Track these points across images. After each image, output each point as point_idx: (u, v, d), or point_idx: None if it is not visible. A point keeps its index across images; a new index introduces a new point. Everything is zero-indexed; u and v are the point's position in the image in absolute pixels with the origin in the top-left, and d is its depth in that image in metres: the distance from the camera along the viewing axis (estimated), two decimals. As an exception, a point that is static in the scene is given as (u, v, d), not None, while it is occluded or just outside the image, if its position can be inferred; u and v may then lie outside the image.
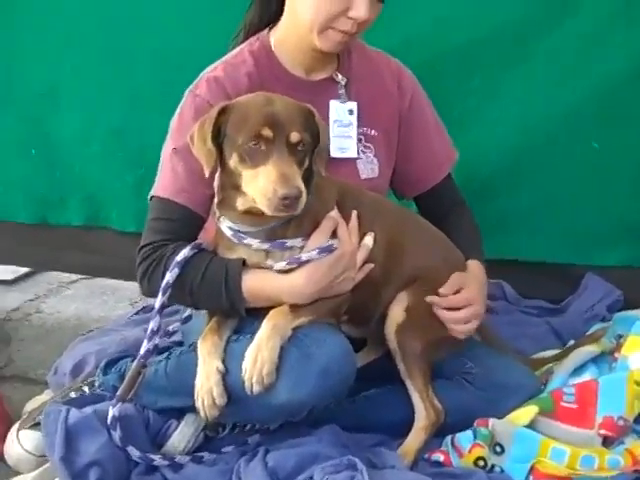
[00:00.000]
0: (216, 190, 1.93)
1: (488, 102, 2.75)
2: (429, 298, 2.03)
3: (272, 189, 1.73)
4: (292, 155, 1.78)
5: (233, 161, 1.81)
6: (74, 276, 3.38)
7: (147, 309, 2.73)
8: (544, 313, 2.78)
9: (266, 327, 1.83)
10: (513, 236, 2.84)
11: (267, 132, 1.77)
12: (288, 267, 1.88)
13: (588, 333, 2.44)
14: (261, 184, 1.76)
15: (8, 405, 2.27)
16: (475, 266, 2.17)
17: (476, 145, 2.73)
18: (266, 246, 1.88)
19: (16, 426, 2.06)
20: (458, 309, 2.05)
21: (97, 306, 3.17)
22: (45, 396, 2.25)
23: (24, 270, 3.39)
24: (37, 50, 2.89)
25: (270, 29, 2.17)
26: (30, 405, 2.20)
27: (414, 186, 2.33)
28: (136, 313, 2.75)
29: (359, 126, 2.18)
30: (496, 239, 2.70)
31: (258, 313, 1.88)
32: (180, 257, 1.89)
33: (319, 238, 1.89)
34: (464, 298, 2.06)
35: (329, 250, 1.89)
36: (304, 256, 1.87)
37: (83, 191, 2.99)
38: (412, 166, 2.29)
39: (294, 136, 1.79)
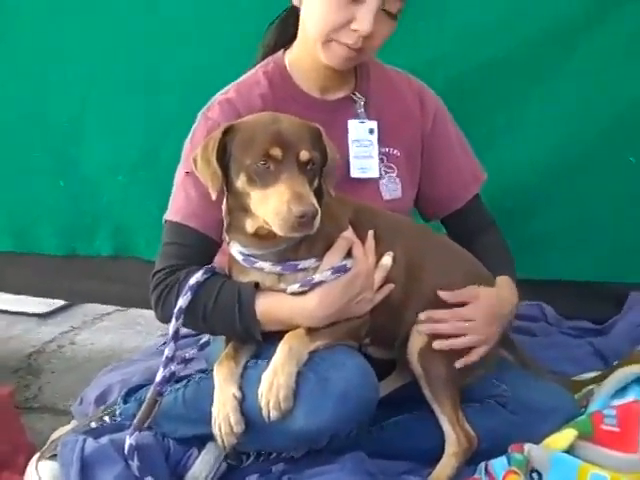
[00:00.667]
0: (224, 214, 1.89)
1: (518, 119, 2.70)
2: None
3: (287, 208, 1.69)
4: (302, 174, 1.74)
5: (241, 182, 1.77)
6: (110, 308, 3.38)
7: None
8: (587, 334, 2.69)
9: (282, 351, 1.78)
10: (552, 256, 2.78)
11: (276, 151, 1.73)
12: (301, 289, 1.83)
13: (632, 353, 2.34)
14: (274, 204, 1.72)
15: (35, 436, 2.25)
16: (504, 282, 2.09)
17: (509, 163, 2.69)
18: (278, 269, 1.84)
19: (36, 456, 2.03)
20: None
21: (130, 337, 3.16)
22: (70, 426, 2.23)
23: (60, 303, 3.40)
24: (63, 82, 2.91)
25: (285, 50, 2.14)
26: (54, 435, 2.18)
27: (439, 208, 2.26)
28: (164, 343, 2.72)
29: (381, 146, 2.13)
30: (535, 259, 2.66)
31: (275, 338, 1.83)
32: (192, 281, 1.86)
33: (333, 258, 1.84)
34: (463, 326, 1.96)
35: (343, 270, 1.83)
36: (317, 277, 1.82)
37: (111, 221, 3.00)
38: (436, 187, 2.23)
39: (304, 155, 1.75)
